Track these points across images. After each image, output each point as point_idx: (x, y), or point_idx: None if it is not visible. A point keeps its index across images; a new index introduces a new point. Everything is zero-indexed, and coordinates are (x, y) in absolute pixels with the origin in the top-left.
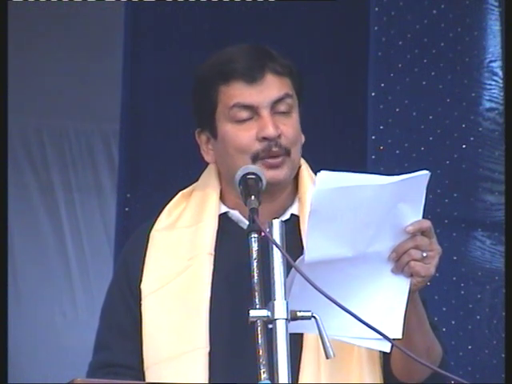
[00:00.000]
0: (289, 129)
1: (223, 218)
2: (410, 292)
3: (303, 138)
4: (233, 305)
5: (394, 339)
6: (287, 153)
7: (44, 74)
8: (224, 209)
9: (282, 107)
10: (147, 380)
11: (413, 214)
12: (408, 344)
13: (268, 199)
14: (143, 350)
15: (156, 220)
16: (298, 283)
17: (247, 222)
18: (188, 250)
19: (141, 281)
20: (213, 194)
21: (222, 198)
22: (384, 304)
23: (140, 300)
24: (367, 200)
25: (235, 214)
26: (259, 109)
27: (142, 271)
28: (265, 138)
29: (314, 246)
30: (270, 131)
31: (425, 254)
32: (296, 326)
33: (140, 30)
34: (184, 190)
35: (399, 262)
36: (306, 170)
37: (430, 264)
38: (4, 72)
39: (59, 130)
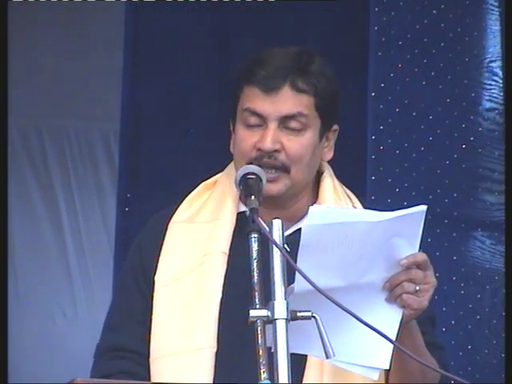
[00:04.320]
0: (294, 145)
1: (241, 217)
2: (403, 322)
3: (322, 157)
4: (243, 305)
5: (381, 370)
6: (285, 169)
7: (44, 74)
8: (242, 207)
9: (292, 124)
10: (152, 372)
11: (409, 247)
12: (402, 368)
13: (277, 207)
14: (150, 341)
15: (175, 209)
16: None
17: (263, 223)
18: (203, 247)
19: (155, 271)
20: (233, 190)
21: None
22: (374, 333)
23: (153, 291)
24: (360, 235)
25: None
26: (267, 119)
27: (158, 262)
28: (260, 149)
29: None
30: (266, 144)
31: (418, 288)
32: (299, 346)
33: (140, 29)
34: (207, 181)
35: (392, 293)
36: (328, 177)
37: (423, 297)
38: (4, 72)
39: (59, 130)
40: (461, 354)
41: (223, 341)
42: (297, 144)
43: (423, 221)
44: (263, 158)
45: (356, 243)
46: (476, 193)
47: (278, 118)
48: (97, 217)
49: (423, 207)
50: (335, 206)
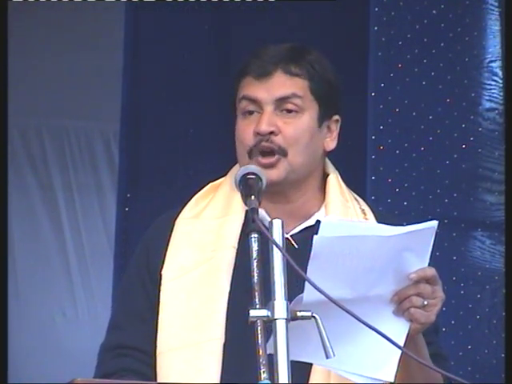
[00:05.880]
0: (289, 128)
1: (248, 214)
2: (409, 336)
3: (325, 147)
4: (248, 300)
5: (386, 382)
6: (283, 152)
7: (44, 74)
8: None
9: (288, 106)
10: (158, 366)
11: (418, 261)
12: (406, 380)
13: (282, 199)
14: (157, 335)
15: (180, 209)
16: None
17: (268, 217)
18: (212, 242)
19: (162, 267)
20: None
21: None
22: (381, 345)
23: (159, 286)
24: (370, 249)
25: (261, 213)
26: (263, 104)
27: (164, 257)
28: (257, 134)
29: (313, 288)
30: (262, 127)
31: (426, 302)
32: (300, 354)
33: (140, 29)
34: (214, 182)
35: (400, 306)
36: (334, 179)
37: (431, 312)
38: (4, 72)
39: (59, 130)
40: (461, 354)
41: (229, 333)
42: (293, 126)
43: (434, 236)
44: (261, 142)
45: (366, 256)
46: (476, 193)
47: (273, 102)
48: (97, 217)
49: (434, 223)
50: (347, 218)
